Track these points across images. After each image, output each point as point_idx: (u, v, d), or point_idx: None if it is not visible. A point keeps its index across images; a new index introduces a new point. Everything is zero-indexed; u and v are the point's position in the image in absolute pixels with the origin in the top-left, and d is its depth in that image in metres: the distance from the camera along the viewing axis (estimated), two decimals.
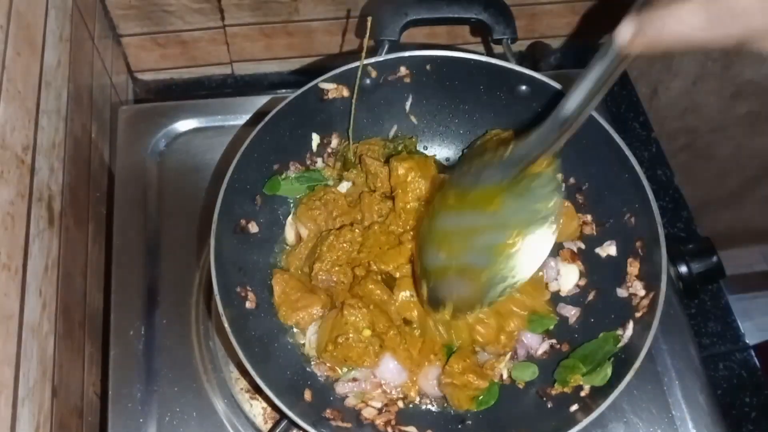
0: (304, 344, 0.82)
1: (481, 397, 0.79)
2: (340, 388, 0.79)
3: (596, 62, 0.59)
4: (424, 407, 0.80)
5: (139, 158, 0.96)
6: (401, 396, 0.80)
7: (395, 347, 0.80)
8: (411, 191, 0.85)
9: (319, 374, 0.81)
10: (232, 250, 0.79)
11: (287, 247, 0.88)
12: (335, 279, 0.83)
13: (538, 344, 0.83)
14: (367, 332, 0.78)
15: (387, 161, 0.89)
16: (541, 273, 0.86)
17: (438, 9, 0.89)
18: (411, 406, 0.80)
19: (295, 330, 0.83)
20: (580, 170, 0.86)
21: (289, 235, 0.88)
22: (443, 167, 0.93)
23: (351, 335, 0.78)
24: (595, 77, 0.60)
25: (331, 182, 0.91)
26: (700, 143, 1.55)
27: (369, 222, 0.87)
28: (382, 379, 0.80)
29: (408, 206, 0.86)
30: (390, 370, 0.80)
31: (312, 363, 0.81)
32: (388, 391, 0.80)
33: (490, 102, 0.88)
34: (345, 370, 0.81)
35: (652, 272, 0.75)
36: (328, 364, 0.81)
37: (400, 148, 0.91)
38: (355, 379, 0.80)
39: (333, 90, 0.85)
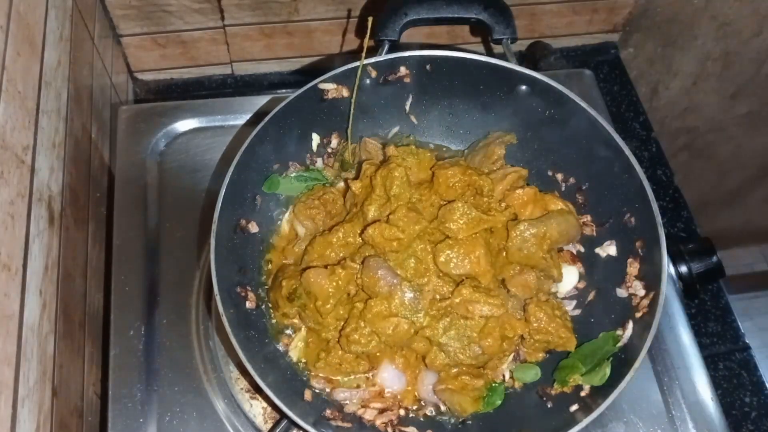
0: (290, 349, 0.80)
1: (486, 397, 0.78)
2: (339, 395, 0.78)
3: None
4: (424, 410, 0.80)
5: (139, 158, 0.96)
6: (401, 404, 0.79)
7: (392, 353, 0.79)
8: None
9: (317, 388, 0.79)
10: (232, 250, 0.79)
11: (277, 240, 0.87)
12: None
13: None
14: None
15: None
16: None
17: (438, 9, 0.89)
18: (411, 409, 0.80)
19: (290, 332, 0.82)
20: (580, 170, 0.86)
21: (284, 230, 0.87)
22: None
23: None
24: None
25: (330, 182, 0.90)
26: (700, 143, 1.55)
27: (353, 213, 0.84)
28: (381, 386, 0.79)
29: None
30: (387, 377, 0.79)
31: (308, 375, 0.79)
32: (388, 398, 0.79)
33: (490, 102, 0.88)
34: (344, 379, 0.79)
35: (652, 272, 0.75)
36: (323, 376, 0.79)
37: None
38: (356, 386, 0.79)
39: (333, 90, 0.85)
